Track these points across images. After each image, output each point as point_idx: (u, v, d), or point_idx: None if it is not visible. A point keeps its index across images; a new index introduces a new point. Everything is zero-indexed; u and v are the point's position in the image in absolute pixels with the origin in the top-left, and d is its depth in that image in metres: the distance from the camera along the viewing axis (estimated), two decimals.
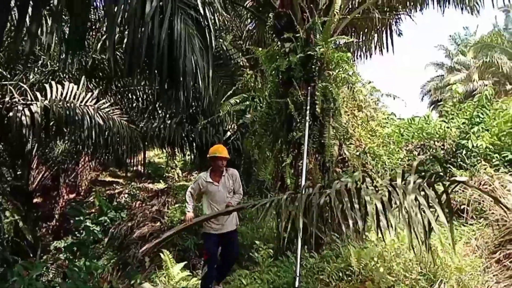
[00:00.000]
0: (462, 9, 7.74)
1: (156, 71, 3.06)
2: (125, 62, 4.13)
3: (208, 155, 5.11)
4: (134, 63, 2.90)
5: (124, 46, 3.30)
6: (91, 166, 16.17)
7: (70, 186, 15.53)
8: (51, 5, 2.65)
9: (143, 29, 2.79)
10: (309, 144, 5.56)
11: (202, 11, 3.04)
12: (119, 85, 9.00)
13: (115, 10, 2.68)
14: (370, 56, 9.13)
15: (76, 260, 6.32)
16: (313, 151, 5.69)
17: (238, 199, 5.23)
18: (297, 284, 4.23)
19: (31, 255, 9.25)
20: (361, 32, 8.55)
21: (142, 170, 16.50)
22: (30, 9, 2.55)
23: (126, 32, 3.03)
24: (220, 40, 8.86)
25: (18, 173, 9.38)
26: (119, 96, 9.11)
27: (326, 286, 4.29)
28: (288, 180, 5.56)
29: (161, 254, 6.19)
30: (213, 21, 3.48)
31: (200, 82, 3.09)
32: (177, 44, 2.86)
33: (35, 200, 12.24)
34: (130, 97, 9.26)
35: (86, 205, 14.00)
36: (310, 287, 4.25)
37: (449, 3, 8.03)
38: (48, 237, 12.63)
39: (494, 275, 4.35)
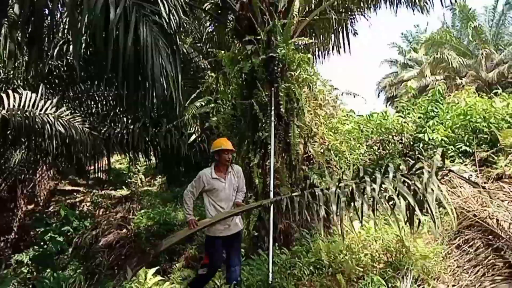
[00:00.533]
0: (413, 9, 8.08)
1: (123, 77, 3.04)
2: (92, 69, 4.06)
3: (212, 150, 4.65)
4: (102, 70, 2.87)
5: (87, 52, 3.26)
6: (50, 175, 15.59)
7: (28, 197, 14.91)
8: (11, 15, 2.59)
9: (108, 36, 2.78)
10: (275, 143, 5.67)
11: (166, 17, 3.06)
12: (77, 91, 8.76)
13: (79, 18, 2.65)
14: (329, 56, 9.39)
15: (42, 272, 6.16)
16: (279, 150, 5.81)
17: (243, 197, 4.87)
18: (270, 280, 4.32)
19: None
20: (319, 33, 8.77)
21: (103, 177, 16.10)
22: None
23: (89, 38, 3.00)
24: (180, 43, 8.79)
25: None
26: (78, 102, 8.87)
27: (299, 280, 4.40)
28: (256, 180, 5.66)
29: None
30: (177, 25, 3.50)
31: (168, 86, 3.11)
32: (143, 50, 2.86)
33: None
34: (89, 103, 9.03)
35: (47, 215, 13.53)
36: (283, 283, 4.34)
37: (400, 3, 8.39)
38: (7, 250, 12.10)
39: (455, 260, 4.62)
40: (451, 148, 7.35)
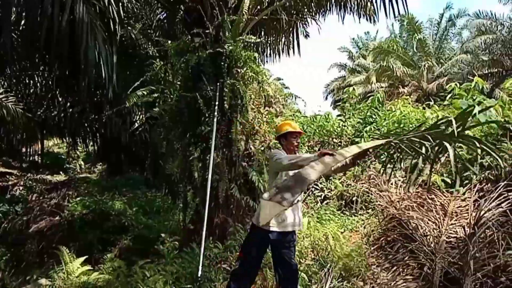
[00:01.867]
0: (360, 17, 8.38)
1: (56, 58, 2.94)
2: (23, 47, 3.87)
3: (277, 134, 4.09)
4: (32, 48, 2.77)
5: (21, 29, 3.13)
6: None
7: None
8: None
9: (41, 14, 2.68)
10: (217, 138, 5.71)
11: (107, 2, 3.00)
12: (14, 68, 8.28)
13: None
14: (279, 56, 9.53)
15: None
16: (220, 146, 5.85)
17: None
18: (199, 273, 4.37)
19: None
20: (270, 33, 8.89)
21: (39, 161, 15.37)
22: None
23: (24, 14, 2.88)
24: (129, 28, 8.58)
25: None
26: (14, 81, 8.40)
27: (228, 274, 4.48)
28: (196, 174, 5.66)
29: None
30: (118, 12, 3.44)
31: (104, 72, 3.05)
32: (78, 33, 2.79)
33: None
34: (27, 82, 8.58)
35: None
36: (211, 276, 4.40)
37: (350, 11, 8.69)
38: None
39: (376, 260, 4.91)
40: (385, 154, 7.73)
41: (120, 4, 3.35)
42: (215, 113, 5.67)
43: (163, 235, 5.45)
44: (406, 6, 7.06)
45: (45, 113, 7.35)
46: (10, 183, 14.72)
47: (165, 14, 9.32)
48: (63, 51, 2.81)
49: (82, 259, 5.33)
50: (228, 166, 5.93)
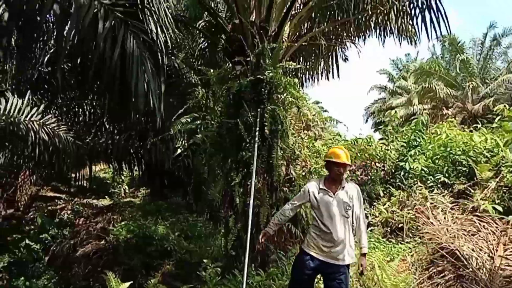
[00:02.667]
0: (400, 40, 8.30)
1: (107, 89, 3.10)
2: (74, 77, 4.09)
3: (325, 158, 4.10)
4: (87, 80, 2.93)
5: (74, 63, 3.31)
6: (32, 180, 15.37)
7: (8, 201, 14.67)
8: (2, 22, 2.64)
9: (95, 49, 2.84)
10: (258, 164, 5.72)
11: (155, 35, 3.14)
12: (65, 98, 8.75)
13: (67, 29, 2.71)
14: (318, 80, 9.56)
15: (15, 280, 6.04)
16: (261, 171, 5.86)
17: (365, 234, 4.04)
18: None
19: None
20: (309, 58, 8.95)
21: (86, 185, 15.93)
22: None
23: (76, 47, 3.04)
24: (172, 57, 8.91)
25: None
26: (65, 109, 8.85)
27: None
28: (237, 199, 5.67)
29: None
30: (165, 44, 3.58)
31: (152, 103, 3.16)
32: (129, 66, 2.93)
33: None
34: (77, 110, 9.03)
35: (25, 221, 13.31)
36: None
37: (390, 33, 8.63)
38: None
39: None
40: (430, 178, 7.49)
41: (167, 35, 3.48)
42: (256, 139, 5.70)
43: (205, 261, 5.46)
44: (449, 27, 6.94)
45: (93, 140, 7.67)
46: (58, 207, 15.34)
47: (206, 44, 9.62)
48: (113, 83, 2.95)
49: (127, 284, 5.42)
50: (269, 192, 5.91)
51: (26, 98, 6.05)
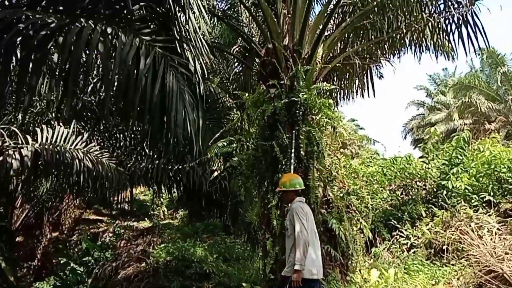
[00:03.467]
0: (437, 57, 8.17)
1: (149, 120, 3.23)
2: (118, 113, 4.29)
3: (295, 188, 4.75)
4: (127, 114, 3.08)
5: (117, 94, 3.48)
6: (75, 204, 15.95)
7: (53, 225, 15.26)
8: (50, 62, 2.84)
9: (137, 83, 2.98)
10: None
11: (192, 68, 3.27)
12: (107, 124, 9.11)
13: (111, 67, 2.87)
14: (353, 99, 9.50)
15: None
16: (298, 193, 5.83)
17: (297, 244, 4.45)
18: None
19: None
20: (343, 77, 8.94)
21: (127, 208, 16.35)
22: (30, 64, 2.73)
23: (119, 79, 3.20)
24: (208, 82, 9.14)
25: (1, 211, 9.28)
26: (107, 135, 9.21)
27: None
28: (274, 222, 5.66)
29: None
30: (202, 72, 3.70)
31: (190, 132, 3.27)
32: (168, 99, 3.05)
33: (17, 239, 12.01)
34: (118, 136, 9.37)
35: (70, 244, 13.79)
36: None
37: (426, 49, 8.51)
38: (29, 277, 12.31)
39: None
40: (475, 197, 7.20)
41: (204, 65, 3.62)
42: (292, 161, 5.71)
43: (244, 284, 5.46)
44: (487, 40, 6.79)
45: (134, 165, 7.92)
46: (100, 229, 15.82)
47: (241, 68, 9.82)
48: (155, 116, 3.08)
49: None
50: None
51: (72, 126, 6.35)
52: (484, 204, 7.05)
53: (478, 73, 24.46)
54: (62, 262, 6.93)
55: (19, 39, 2.70)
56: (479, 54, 21.77)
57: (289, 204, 4.67)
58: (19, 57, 2.84)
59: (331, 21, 7.58)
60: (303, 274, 4.25)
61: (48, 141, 5.64)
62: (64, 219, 15.45)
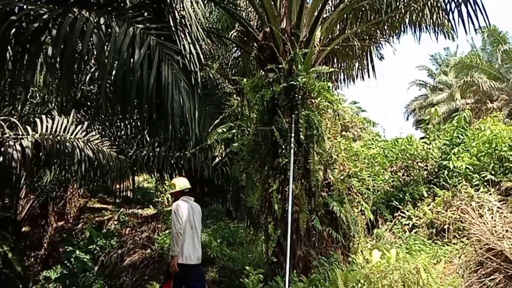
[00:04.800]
0: (437, 37, 8.11)
1: (145, 110, 3.24)
2: (116, 102, 4.30)
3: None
4: (125, 103, 3.08)
5: (114, 85, 3.47)
6: (80, 193, 16.06)
7: (58, 214, 15.39)
8: (46, 55, 2.83)
9: (133, 73, 2.97)
10: (295, 169, 5.72)
11: (188, 55, 3.25)
12: (107, 113, 9.10)
13: (106, 58, 2.86)
14: (354, 82, 9.46)
15: None
16: (298, 177, 5.84)
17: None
18: None
19: (20, 287, 9.17)
20: (343, 59, 8.89)
21: (131, 196, 16.43)
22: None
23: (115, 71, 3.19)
24: (207, 68, 9.09)
25: (6, 202, 9.37)
26: (108, 124, 9.22)
27: None
28: (276, 206, 5.69)
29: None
30: (199, 59, 3.69)
31: (187, 119, 3.27)
32: (164, 88, 3.05)
33: (23, 229, 12.14)
34: (119, 124, 9.37)
35: (75, 233, 13.93)
36: None
37: (426, 30, 8.43)
38: (37, 266, 12.49)
39: None
40: (476, 177, 7.21)
41: (201, 51, 3.60)
42: (292, 145, 5.72)
43: (247, 268, 5.52)
44: (487, 18, 6.69)
45: (135, 153, 7.95)
46: (105, 217, 15.94)
47: (239, 53, 9.75)
48: (152, 105, 3.08)
49: None
50: (308, 197, 5.88)
51: (71, 116, 6.36)
52: (485, 183, 7.06)
53: (480, 52, 24.23)
54: (67, 250, 7.03)
55: (12, 31, 2.69)
56: (480, 32, 21.57)
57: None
58: (12, 51, 2.84)
59: (329, 2, 7.49)
60: (178, 259, 5.21)
61: (48, 131, 5.66)
62: (69, 208, 15.57)
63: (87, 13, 2.80)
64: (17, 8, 2.66)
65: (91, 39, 2.74)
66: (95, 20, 2.81)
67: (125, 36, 2.88)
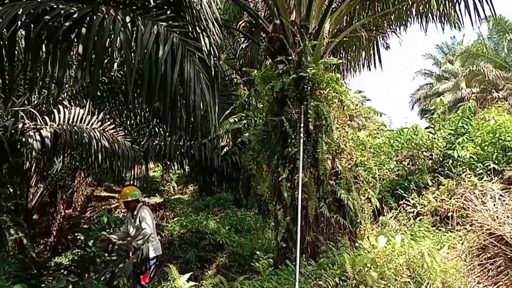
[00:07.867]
0: (443, 27, 8.20)
1: (170, 104, 3.40)
2: (140, 96, 4.47)
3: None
4: (151, 97, 3.26)
5: (140, 80, 3.62)
6: (87, 181, 16.32)
7: (66, 202, 15.67)
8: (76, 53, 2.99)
9: (157, 69, 3.14)
10: (304, 159, 5.91)
11: (206, 50, 3.42)
12: (119, 102, 9.25)
13: (133, 55, 3.03)
14: (360, 72, 9.59)
15: (83, 275, 6.52)
16: (307, 165, 6.04)
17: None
18: None
19: (35, 272, 9.44)
20: (350, 50, 9.01)
21: (137, 185, 16.64)
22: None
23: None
24: (215, 59, 9.22)
25: (18, 191, 9.59)
26: (118, 113, 9.37)
27: None
28: (285, 193, 5.90)
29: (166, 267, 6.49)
30: (214, 53, 3.85)
31: (206, 112, 3.45)
32: (187, 82, 3.22)
33: (33, 217, 12.41)
34: (129, 114, 9.52)
35: (84, 220, 14.21)
36: None
37: (432, 20, 8.51)
38: (46, 253, 12.80)
39: (476, 277, 4.73)
40: (480, 166, 7.37)
41: (214, 44, 3.78)
42: (301, 135, 5.90)
43: (258, 252, 5.75)
44: (493, 8, 6.77)
45: (147, 143, 8.14)
46: (113, 206, 16.23)
47: (247, 43, 9.87)
48: (175, 98, 3.25)
49: (187, 275, 5.79)
50: (316, 185, 6.07)
51: (87, 107, 6.54)
52: (488, 172, 7.22)
53: (486, 41, 24.13)
54: (85, 235, 7.25)
55: (45, 31, 2.86)
56: (486, 21, 21.47)
57: (136, 209, 6.17)
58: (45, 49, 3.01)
59: None
60: (148, 254, 5.87)
61: (66, 122, 5.85)
62: (77, 197, 15.88)
63: (114, 12, 2.97)
64: (48, 8, 2.82)
65: (119, 37, 2.91)
66: (122, 19, 2.98)
67: (150, 34, 3.05)
